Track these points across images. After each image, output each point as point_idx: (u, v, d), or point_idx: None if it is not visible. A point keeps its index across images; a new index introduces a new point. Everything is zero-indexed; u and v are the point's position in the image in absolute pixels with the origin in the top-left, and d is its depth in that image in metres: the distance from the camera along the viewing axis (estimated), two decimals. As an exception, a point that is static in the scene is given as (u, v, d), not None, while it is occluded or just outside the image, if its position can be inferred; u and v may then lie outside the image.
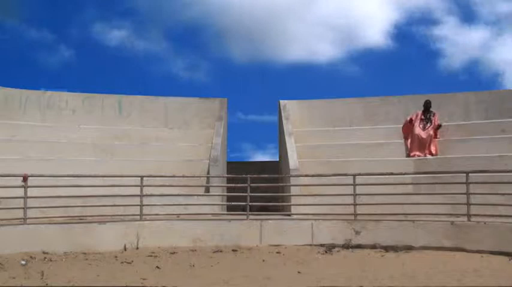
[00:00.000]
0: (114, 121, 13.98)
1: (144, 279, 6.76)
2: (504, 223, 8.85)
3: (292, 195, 11.05)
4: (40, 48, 29.06)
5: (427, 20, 30.91)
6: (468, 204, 9.27)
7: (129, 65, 29.40)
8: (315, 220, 10.00)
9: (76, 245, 9.07)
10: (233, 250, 9.34)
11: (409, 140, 12.63)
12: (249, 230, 9.95)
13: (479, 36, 30.54)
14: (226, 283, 6.71)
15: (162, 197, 10.17)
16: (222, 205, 11.38)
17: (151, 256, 8.77)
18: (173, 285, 6.46)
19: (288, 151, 12.44)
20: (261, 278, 6.94)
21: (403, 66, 29.99)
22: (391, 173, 10.36)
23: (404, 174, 10.85)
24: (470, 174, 9.45)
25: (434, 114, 12.76)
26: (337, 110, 14.21)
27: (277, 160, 15.36)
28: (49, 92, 13.93)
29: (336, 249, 9.36)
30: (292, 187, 11.25)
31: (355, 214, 9.92)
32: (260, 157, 26.12)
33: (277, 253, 9.17)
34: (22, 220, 9.12)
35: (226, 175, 12.58)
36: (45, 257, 8.46)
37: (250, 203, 10.25)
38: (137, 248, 9.35)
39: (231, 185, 11.17)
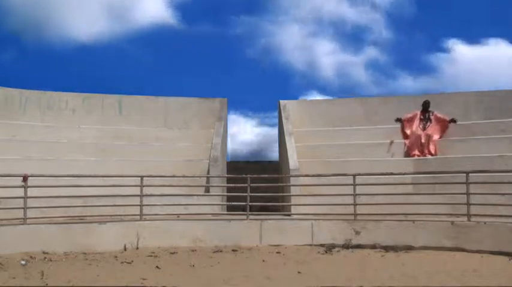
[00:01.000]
0: (114, 121, 13.99)
1: (144, 279, 6.76)
2: (504, 223, 8.85)
3: (292, 195, 11.05)
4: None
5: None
6: (468, 204, 9.27)
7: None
8: (315, 220, 10.00)
9: (76, 245, 9.07)
10: (233, 250, 9.34)
11: (407, 140, 12.64)
12: (249, 230, 9.95)
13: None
14: (226, 282, 6.71)
15: (162, 197, 10.17)
16: (222, 205, 11.38)
17: (151, 256, 8.77)
18: (173, 285, 6.46)
19: (288, 151, 12.45)
20: (261, 278, 6.94)
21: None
22: (391, 173, 10.37)
23: (404, 174, 10.86)
24: (470, 174, 9.45)
25: (433, 113, 12.78)
26: (337, 110, 14.23)
27: (277, 160, 15.36)
28: (49, 92, 13.95)
29: (336, 249, 9.36)
30: (292, 187, 11.26)
31: (355, 214, 9.93)
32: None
33: (277, 253, 9.17)
34: (22, 220, 9.12)
35: (226, 175, 12.59)
36: (45, 257, 8.45)
37: (250, 203, 10.25)
38: (137, 248, 9.35)
39: (231, 185, 11.17)
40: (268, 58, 33.06)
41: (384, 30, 33.49)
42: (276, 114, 15.59)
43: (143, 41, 31.08)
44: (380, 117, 13.70)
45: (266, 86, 29.14)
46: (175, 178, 10.59)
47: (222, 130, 13.64)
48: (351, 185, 10.00)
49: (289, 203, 11.09)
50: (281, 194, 12.12)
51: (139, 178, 9.96)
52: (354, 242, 9.60)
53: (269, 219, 10.25)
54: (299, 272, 7.32)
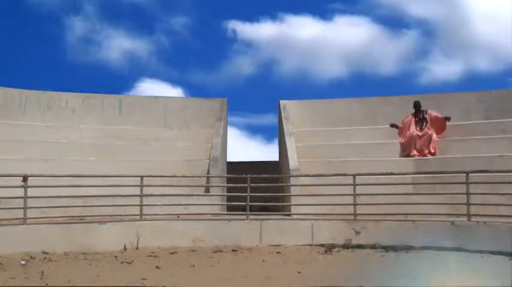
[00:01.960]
0: (114, 121, 13.98)
1: (144, 279, 6.76)
2: (504, 223, 8.84)
3: (292, 195, 11.05)
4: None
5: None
6: (468, 204, 9.27)
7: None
8: (315, 220, 10.00)
9: (76, 245, 9.06)
10: (233, 250, 9.34)
11: (403, 140, 12.60)
12: (249, 230, 9.94)
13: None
14: (226, 282, 6.71)
15: (162, 197, 10.17)
16: (222, 205, 11.37)
17: (151, 256, 8.77)
18: (173, 285, 6.46)
19: (288, 151, 12.45)
20: (261, 278, 6.95)
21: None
22: (391, 173, 10.37)
23: (404, 174, 10.86)
24: (470, 174, 9.45)
25: (426, 112, 12.74)
26: (337, 110, 14.21)
27: (277, 159, 15.36)
28: (49, 92, 13.93)
29: (336, 249, 9.36)
30: (292, 187, 11.25)
31: (355, 214, 9.92)
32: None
33: (277, 253, 9.17)
34: (22, 220, 9.12)
35: (226, 175, 12.58)
36: (45, 257, 8.45)
37: (250, 203, 10.25)
38: (137, 248, 9.34)
39: (231, 185, 11.17)
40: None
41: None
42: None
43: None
44: (380, 117, 13.68)
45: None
46: (175, 178, 10.59)
47: (222, 130, 13.64)
48: (351, 185, 10.00)
49: (289, 203, 11.09)
50: (281, 194, 12.11)
51: (139, 178, 9.95)
52: (354, 242, 9.59)
53: (269, 219, 10.25)
54: (299, 272, 7.32)
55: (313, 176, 10.96)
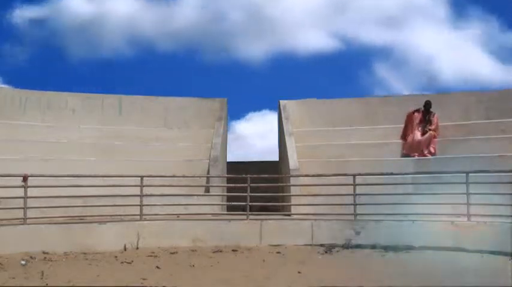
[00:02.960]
0: (114, 121, 13.97)
1: (144, 279, 6.76)
2: (504, 223, 8.84)
3: (292, 195, 11.05)
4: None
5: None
6: (468, 204, 9.27)
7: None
8: (315, 220, 10.00)
9: (76, 245, 9.06)
10: (233, 250, 9.34)
11: (407, 140, 12.61)
12: (249, 230, 9.95)
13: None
14: (226, 282, 6.71)
15: (162, 197, 10.17)
16: (222, 205, 11.38)
17: (151, 256, 8.77)
18: (173, 285, 6.46)
19: (288, 151, 12.45)
20: (261, 278, 6.95)
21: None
22: (391, 173, 10.37)
23: (404, 174, 10.86)
24: (470, 174, 9.45)
25: (434, 114, 12.76)
26: (337, 110, 14.21)
27: (277, 159, 15.36)
28: (49, 92, 13.93)
29: (336, 249, 9.36)
30: (292, 187, 11.26)
31: (355, 214, 9.93)
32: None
33: (277, 253, 9.17)
34: (22, 220, 9.12)
35: (226, 175, 12.59)
36: (45, 257, 8.46)
37: (250, 203, 10.25)
38: (137, 248, 9.35)
39: (231, 185, 11.17)
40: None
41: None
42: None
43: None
44: (380, 117, 13.69)
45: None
46: (175, 178, 10.58)
47: (222, 130, 13.65)
48: (351, 185, 10.00)
49: (289, 203, 11.09)
50: (281, 194, 12.11)
51: (139, 178, 9.96)
52: (354, 242, 9.60)
53: (269, 219, 10.25)
54: (299, 272, 7.32)
55: (313, 176, 10.96)
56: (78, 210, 10.05)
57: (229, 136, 16.27)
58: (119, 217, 9.82)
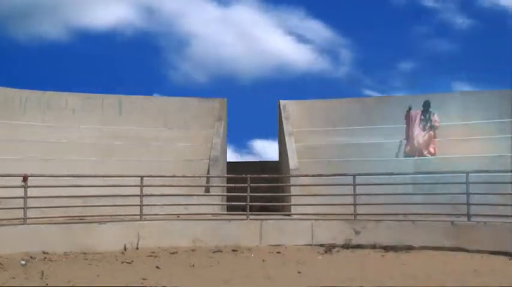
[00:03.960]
0: (114, 121, 13.97)
1: (144, 279, 6.76)
2: (504, 223, 8.85)
3: (292, 195, 11.05)
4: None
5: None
6: (468, 204, 9.28)
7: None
8: (315, 220, 10.00)
9: (76, 245, 9.07)
10: (233, 250, 9.34)
11: (406, 139, 12.63)
12: (249, 230, 9.95)
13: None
14: (226, 282, 6.71)
15: (162, 197, 10.16)
16: (222, 205, 11.38)
17: (151, 256, 8.77)
18: (173, 285, 6.46)
19: (288, 151, 12.45)
20: (261, 278, 6.95)
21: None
22: (391, 173, 10.37)
23: (404, 174, 10.86)
24: (470, 174, 9.45)
25: (434, 114, 12.76)
26: (337, 110, 14.21)
27: (277, 159, 15.37)
28: (49, 92, 13.92)
29: (336, 249, 9.36)
30: (292, 187, 11.26)
31: (355, 214, 9.93)
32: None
33: (277, 253, 9.17)
34: (22, 220, 9.12)
35: (226, 175, 12.58)
36: (45, 257, 8.46)
37: (250, 203, 10.25)
38: (137, 248, 9.35)
39: (231, 185, 11.17)
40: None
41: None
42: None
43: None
44: (380, 117, 13.69)
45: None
46: (175, 178, 10.58)
47: (222, 130, 13.65)
48: (351, 185, 10.00)
49: (289, 203, 11.09)
50: (281, 194, 12.11)
51: (139, 178, 9.96)
52: (354, 242, 9.60)
53: (269, 219, 10.25)
54: (299, 272, 7.32)
55: (313, 176, 10.96)
56: (78, 210, 10.05)
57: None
58: (119, 217, 9.81)
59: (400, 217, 9.73)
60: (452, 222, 9.31)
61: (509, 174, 9.83)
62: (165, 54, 29.26)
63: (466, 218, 9.27)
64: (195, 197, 10.88)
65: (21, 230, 9.01)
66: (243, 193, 10.37)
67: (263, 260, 8.42)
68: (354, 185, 9.98)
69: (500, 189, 9.45)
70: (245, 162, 15.81)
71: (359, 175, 10.08)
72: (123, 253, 9.01)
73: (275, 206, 11.49)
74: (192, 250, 9.34)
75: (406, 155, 12.43)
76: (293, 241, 9.74)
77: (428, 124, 12.64)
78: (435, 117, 12.67)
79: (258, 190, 10.50)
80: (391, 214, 9.77)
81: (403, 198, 9.94)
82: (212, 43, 29.96)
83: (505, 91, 13.33)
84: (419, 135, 12.50)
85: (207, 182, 11.65)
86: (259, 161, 16.07)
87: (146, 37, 28.95)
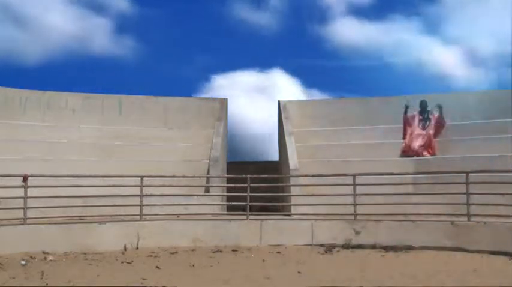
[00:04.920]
0: (114, 121, 13.97)
1: (144, 279, 6.76)
2: (504, 223, 8.85)
3: (292, 195, 11.05)
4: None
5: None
6: (468, 204, 9.27)
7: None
8: (315, 220, 10.00)
9: (76, 245, 9.07)
10: (233, 250, 9.34)
11: (406, 139, 12.63)
12: (249, 230, 9.95)
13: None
14: (226, 282, 6.71)
15: (162, 197, 10.16)
16: (222, 205, 11.37)
17: (151, 256, 8.77)
18: (173, 285, 6.46)
19: (288, 151, 12.44)
20: (261, 278, 6.95)
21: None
22: (391, 173, 10.37)
23: (404, 174, 10.86)
24: (470, 174, 9.45)
25: (432, 113, 12.75)
26: (337, 110, 14.20)
27: (277, 159, 15.36)
28: (49, 92, 13.92)
29: (336, 249, 9.37)
30: (292, 187, 11.25)
31: (355, 214, 9.93)
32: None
33: (277, 253, 9.17)
34: (22, 220, 9.12)
35: (226, 175, 12.58)
36: (45, 257, 8.46)
37: (250, 203, 10.25)
38: (137, 248, 9.35)
39: (231, 185, 11.17)
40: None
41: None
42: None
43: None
44: (380, 117, 13.68)
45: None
46: (175, 178, 10.59)
47: (222, 130, 13.64)
48: (351, 185, 10.00)
49: (289, 203, 11.09)
50: (281, 194, 12.11)
51: (139, 178, 9.96)
52: (354, 242, 9.60)
53: (269, 219, 10.25)
54: (299, 272, 7.32)
55: (313, 176, 10.95)
56: (78, 210, 10.05)
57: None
58: (119, 217, 9.81)
59: (400, 217, 9.73)
60: (452, 222, 9.30)
61: (509, 174, 9.83)
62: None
63: (466, 218, 9.27)
64: (195, 197, 10.88)
65: (21, 230, 9.01)
66: (243, 193, 10.37)
67: (263, 260, 8.42)
68: (354, 185, 9.98)
69: (500, 189, 9.44)
70: (245, 162, 15.78)
71: (359, 175, 10.08)
72: (123, 253, 9.01)
73: (275, 206, 11.49)
74: (192, 250, 9.35)
75: (403, 155, 12.42)
76: (293, 241, 9.74)
77: (428, 123, 12.63)
78: (434, 117, 12.66)
79: (258, 190, 10.50)
80: (391, 214, 9.77)
81: (403, 198, 9.95)
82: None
83: (506, 91, 13.33)
84: (420, 135, 12.49)
85: (207, 182, 11.64)
86: (259, 161, 16.05)
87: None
